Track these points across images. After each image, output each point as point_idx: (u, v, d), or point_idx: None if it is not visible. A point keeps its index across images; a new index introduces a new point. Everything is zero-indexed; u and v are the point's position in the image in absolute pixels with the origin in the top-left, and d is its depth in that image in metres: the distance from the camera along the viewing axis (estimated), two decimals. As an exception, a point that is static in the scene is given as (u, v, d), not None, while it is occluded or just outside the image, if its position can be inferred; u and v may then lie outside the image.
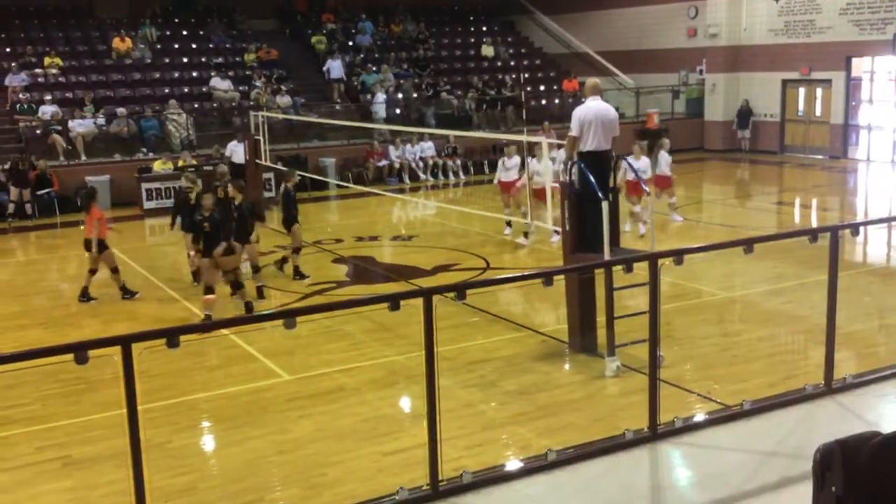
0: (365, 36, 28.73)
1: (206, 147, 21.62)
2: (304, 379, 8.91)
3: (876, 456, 3.47)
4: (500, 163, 15.64)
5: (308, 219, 18.39)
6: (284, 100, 23.99)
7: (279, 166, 18.19)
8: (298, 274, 12.95)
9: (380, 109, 24.60)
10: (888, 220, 17.54)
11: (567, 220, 9.16)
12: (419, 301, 5.93)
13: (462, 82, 27.42)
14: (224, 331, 9.86)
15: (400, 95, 25.59)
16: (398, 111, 25.22)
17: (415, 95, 25.87)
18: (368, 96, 25.23)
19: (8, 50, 24.20)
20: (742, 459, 6.58)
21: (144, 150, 21.72)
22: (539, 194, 13.94)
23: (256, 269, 12.24)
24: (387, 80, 26.03)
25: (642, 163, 15.17)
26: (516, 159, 15.11)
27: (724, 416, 7.30)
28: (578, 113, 9.17)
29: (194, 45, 26.92)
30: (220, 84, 24.48)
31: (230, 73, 25.21)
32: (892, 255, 14.62)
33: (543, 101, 27.63)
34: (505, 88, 26.88)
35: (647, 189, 9.76)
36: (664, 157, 16.00)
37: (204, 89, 24.58)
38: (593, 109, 9.16)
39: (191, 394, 8.59)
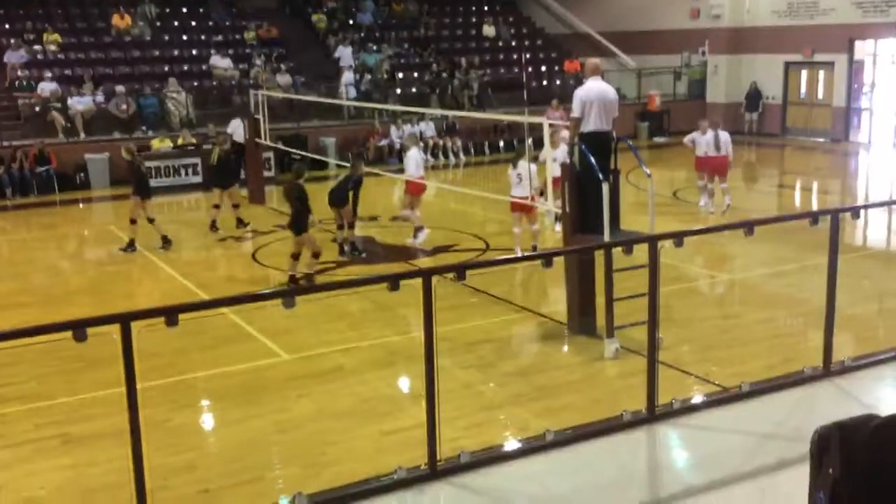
0: (366, 15, 28.57)
1: (205, 126, 21.57)
2: (303, 358, 8.92)
3: (873, 439, 3.47)
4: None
5: (310, 198, 18.36)
6: (284, 78, 23.89)
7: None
8: (355, 249, 13.27)
9: (347, 90, 24.41)
10: (889, 203, 17.53)
11: (567, 201, 9.15)
12: (418, 281, 5.93)
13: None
14: (223, 309, 9.86)
15: (367, 76, 25.28)
16: (353, 93, 24.64)
17: (379, 76, 25.48)
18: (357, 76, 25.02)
19: (7, 26, 24.07)
20: (740, 441, 6.59)
21: (144, 128, 21.66)
22: (412, 188, 13.90)
23: None
24: (387, 59, 25.91)
25: (707, 137, 15.34)
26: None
27: (723, 398, 7.31)
28: (580, 93, 9.16)
29: (194, 23, 26.77)
30: (219, 62, 24.37)
31: (230, 52, 25.09)
32: (893, 239, 14.61)
33: (545, 82, 27.52)
34: (459, 71, 26.23)
35: (648, 171, 9.69)
36: (708, 138, 15.48)
37: (204, 67, 24.48)
38: (594, 90, 9.15)
39: (190, 372, 8.60)
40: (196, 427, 7.63)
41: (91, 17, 25.70)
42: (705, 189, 15.77)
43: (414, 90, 25.54)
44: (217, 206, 15.02)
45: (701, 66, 27.98)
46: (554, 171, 11.06)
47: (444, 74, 26.06)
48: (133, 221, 13.76)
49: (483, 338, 9.43)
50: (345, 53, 25.54)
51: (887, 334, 9.19)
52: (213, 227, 15.00)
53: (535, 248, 12.58)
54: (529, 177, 11.92)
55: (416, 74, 26.39)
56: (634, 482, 6.09)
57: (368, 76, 25.35)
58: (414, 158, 13.89)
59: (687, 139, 16.22)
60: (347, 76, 24.63)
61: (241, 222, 15.12)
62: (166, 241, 13.85)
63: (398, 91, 25.29)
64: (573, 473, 6.18)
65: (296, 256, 11.45)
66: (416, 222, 13.81)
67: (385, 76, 25.55)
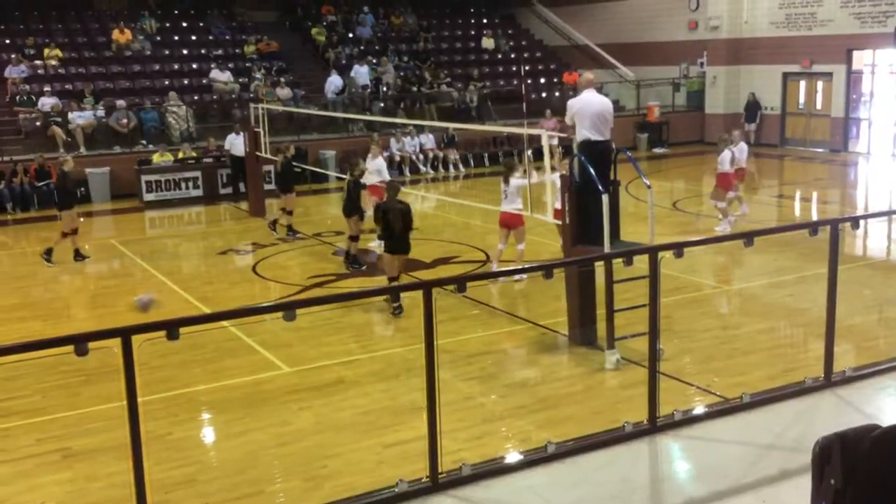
0: (365, 28, 28.67)
1: (206, 139, 21.65)
2: (304, 371, 8.92)
3: (875, 449, 3.47)
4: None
5: (308, 211, 18.43)
6: (284, 92, 23.95)
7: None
8: (356, 262, 13.19)
9: (331, 98, 24.62)
10: (888, 213, 17.54)
11: (567, 212, 9.16)
12: (419, 293, 5.93)
13: (462, 75, 27.36)
14: (224, 323, 9.86)
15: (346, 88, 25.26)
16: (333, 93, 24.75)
17: (362, 88, 25.40)
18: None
19: (8, 41, 24.14)
20: (741, 452, 6.58)
21: (144, 142, 21.70)
22: (373, 193, 14.05)
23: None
24: (387, 73, 25.97)
25: (739, 148, 15.52)
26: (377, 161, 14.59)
27: (724, 409, 7.30)
28: (575, 104, 9.26)
29: (194, 37, 26.86)
30: (219, 76, 24.44)
31: (230, 65, 25.16)
32: (892, 249, 14.61)
33: (544, 94, 27.60)
34: (424, 85, 26.08)
35: (647, 182, 9.71)
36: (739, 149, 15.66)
37: (204, 81, 24.55)
38: (592, 101, 9.23)
39: (191, 386, 8.59)
40: (197, 440, 7.62)
41: (91, 32, 25.80)
42: (737, 199, 15.93)
43: (418, 104, 25.58)
44: (284, 211, 15.77)
45: (699, 78, 28.05)
46: (556, 202, 10.31)
47: (414, 88, 25.99)
48: (74, 232, 14.11)
49: (484, 349, 9.43)
50: (361, 72, 25.58)
51: (888, 344, 9.18)
52: (272, 226, 15.96)
53: None
54: (517, 193, 11.65)
55: (460, 85, 26.44)
56: (636, 494, 6.08)
57: (363, 89, 25.39)
58: (384, 165, 14.49)
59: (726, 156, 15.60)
60: (335, 80, 24.71)
61: (290, 230, 15.74)
62: (78, 255, 14.16)
63: (401, 105, 25.34)
64: (575, 485, 6.17)
65: (393, 279, 10.80)
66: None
67: (387, 89, 25.59)
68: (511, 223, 11.81)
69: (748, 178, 21.24)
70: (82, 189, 20.04)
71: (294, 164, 16.84)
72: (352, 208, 13.19)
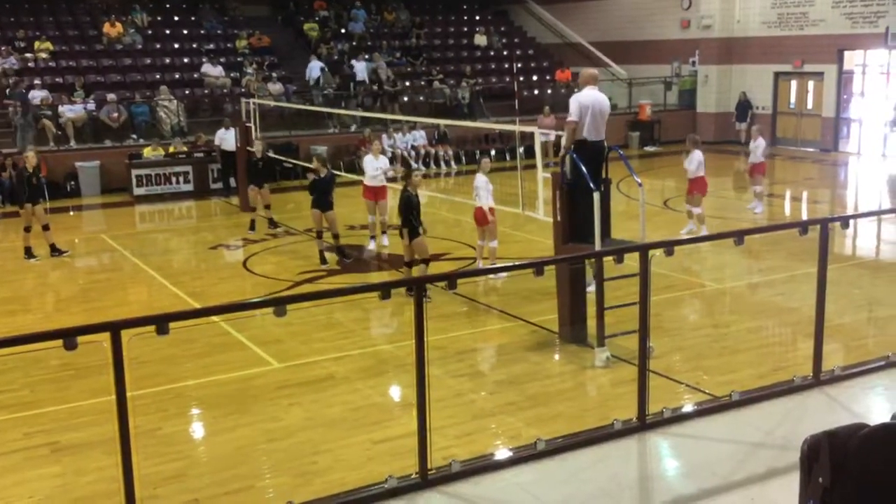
0: (357, 23, 28.62)
1: (197, 134, 21.58)
2: (294, 367, 8.91)
3: (863, 447, 3.49)
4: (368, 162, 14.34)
5: (299, 207, 18.38)
6: (276, 87, 23.88)
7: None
8: (343, 254, 13.41)
9: (314, 85, 24.74)
10: (878, 213, 17.61)
11: (559, 210, 9.17)
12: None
13: (455, 71, 27.34)
14: (214, 318, 9.83)
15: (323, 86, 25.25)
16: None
17: (331, 87, 25.20)
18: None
19: (-2, 34, 24.05)
20: (730, 450, 6.61)
21: (135, 136, 21.62)
22: (373, 193, 14.11)
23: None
24: (379, 69, 25.92)
25: (757, 143, 16.35)
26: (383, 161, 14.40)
27: (713, 407, 7.33)
28: (579, 98, 9.17)
29: (185, 31, 26.77)
30: (211, 70, 24.36)
31: (221, 60, 25.08)
32: (882, 248, 14.68)
33: (536, 92, 27.61)
34: (387, 83, 25.91)
35: (639, 180, 9.72)
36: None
37: (195, 75, 24.47)
38: (592, 98, 9.19)
39: (180, 381, 8.57)
40: (186, 436, 7.60)
41: (82, 25, 25.68)
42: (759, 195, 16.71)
43: (405, 99, 25.52)
44: (254, 209, 16.17)
45: (691, 76, 28.11)
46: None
47: (375, 87, 25.81)
48: (45, 227, 13.99)
49: (474, 346, 9.43)
50: (359, 67, 25.51)
51: (876, 343, 9.22)
52: (271, 224, 15.89)
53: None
54: (481, 190, 11.85)
55: (452, 82, 26.42)
56: (625, 491, 6.09)
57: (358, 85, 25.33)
58: (387, 164, 14.53)
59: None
60: (315, 66, 24.63)
61: (272, 223, 15.85)
62: (55, 250, 14.04)
63: (438, 99, 25.31)
64: (564, 482, 6.18)
65: (409, 264, 10.92)
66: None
67: (384, 86, 25.51)
68: (479, 221, 11.91)
69: (738, 176, 21.35)
70: (72, 183, 19.99)
71: (279, 158, 16.86)
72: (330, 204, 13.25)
